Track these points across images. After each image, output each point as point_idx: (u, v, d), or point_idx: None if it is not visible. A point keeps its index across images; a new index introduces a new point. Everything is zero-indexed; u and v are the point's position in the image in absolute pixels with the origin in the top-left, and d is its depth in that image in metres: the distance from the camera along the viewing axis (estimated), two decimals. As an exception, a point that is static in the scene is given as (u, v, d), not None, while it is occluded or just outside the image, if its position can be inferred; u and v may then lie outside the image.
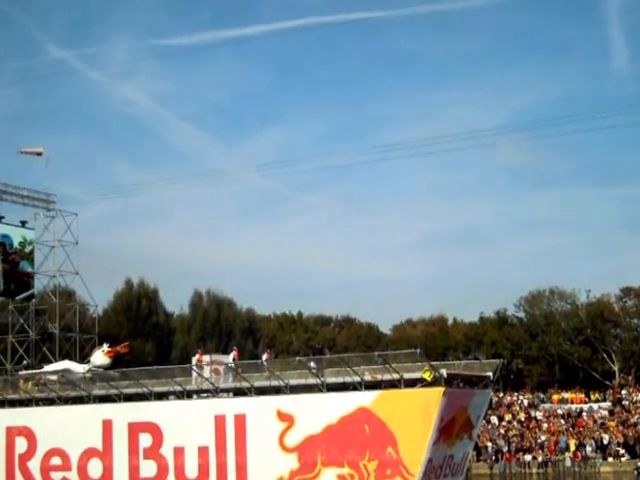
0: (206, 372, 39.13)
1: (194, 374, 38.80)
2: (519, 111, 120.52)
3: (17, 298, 59.17)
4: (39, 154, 59.69)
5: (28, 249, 59.68)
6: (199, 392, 37.99)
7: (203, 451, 35.94)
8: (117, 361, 43.17)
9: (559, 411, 65.74)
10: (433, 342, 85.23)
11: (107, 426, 38.05)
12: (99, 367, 41.55)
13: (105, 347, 42.36)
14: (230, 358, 41.32)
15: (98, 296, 75.01)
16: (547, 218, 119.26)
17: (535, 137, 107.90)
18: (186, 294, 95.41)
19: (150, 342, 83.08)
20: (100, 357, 41.93)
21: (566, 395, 69.37)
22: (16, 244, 58.96)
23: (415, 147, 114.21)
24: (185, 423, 36.46)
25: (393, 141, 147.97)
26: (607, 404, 66.33)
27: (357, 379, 33.89)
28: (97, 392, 39.73)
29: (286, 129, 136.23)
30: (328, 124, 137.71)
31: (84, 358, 48.32)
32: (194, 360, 41.46)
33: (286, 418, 34.46)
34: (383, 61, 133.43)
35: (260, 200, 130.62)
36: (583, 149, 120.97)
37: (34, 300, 60.15)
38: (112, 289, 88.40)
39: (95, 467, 38.16)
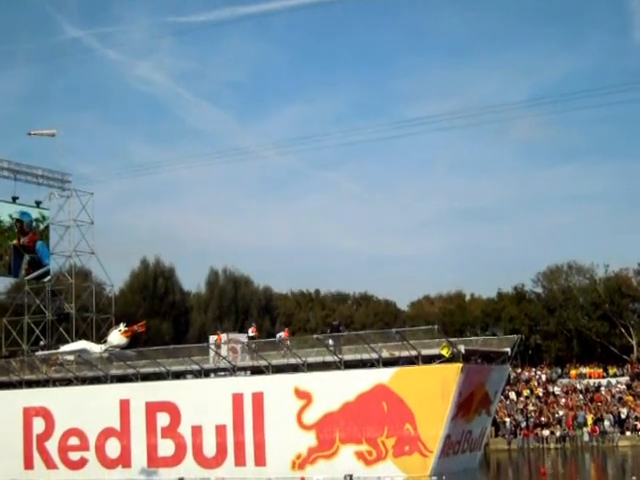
0: (223, 351, 39.10)
1: (211, 353, 38.78)
2: (539, 86, 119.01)
3: (28, 277, 58.85)
4: (52, 135, 59.30)
5: (43, 225, 59.35)
6: (216, 371, 38.02)
7: (221, 430, 35.99)
8: (134, 341, 43.12)
9: (577, 386, 65.50)
10: (451, 318, 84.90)
11: (125, 406, 38.15)
12: (116, 347, 41.54)
13: (122, 327, 42.32)
14: (249, 333, 41.32)
15: (114, 276, 74.95)
16: (565, 193, 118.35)
17: (553, 112, 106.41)
18: (202, 272, 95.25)
19: (167, 321, 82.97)
20: (117, 337, 41.90)
21: (584, 370, 69.10)
22: (34, 223, 58.73)
23: (434, 123, 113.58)
24: (203, 402, 36.50)
25: (412, 117, 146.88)
26: (625, 378, 66.05)
27: (375, 356, 33.84)
28: (114, 372, 39.81)
29: (305, 106, 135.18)
30: (347, 101, 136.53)
31: (101, 338, 48.25)
32: (212, 339, 41.37)
33: (304, 396, 34.46)
34: (403, 37, 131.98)
35: (278, 177, 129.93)
36: (601, 123, 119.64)
37: (49, 278, 59.97)
38: (128, 268, 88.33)
39: (113, 447, 38.30)
